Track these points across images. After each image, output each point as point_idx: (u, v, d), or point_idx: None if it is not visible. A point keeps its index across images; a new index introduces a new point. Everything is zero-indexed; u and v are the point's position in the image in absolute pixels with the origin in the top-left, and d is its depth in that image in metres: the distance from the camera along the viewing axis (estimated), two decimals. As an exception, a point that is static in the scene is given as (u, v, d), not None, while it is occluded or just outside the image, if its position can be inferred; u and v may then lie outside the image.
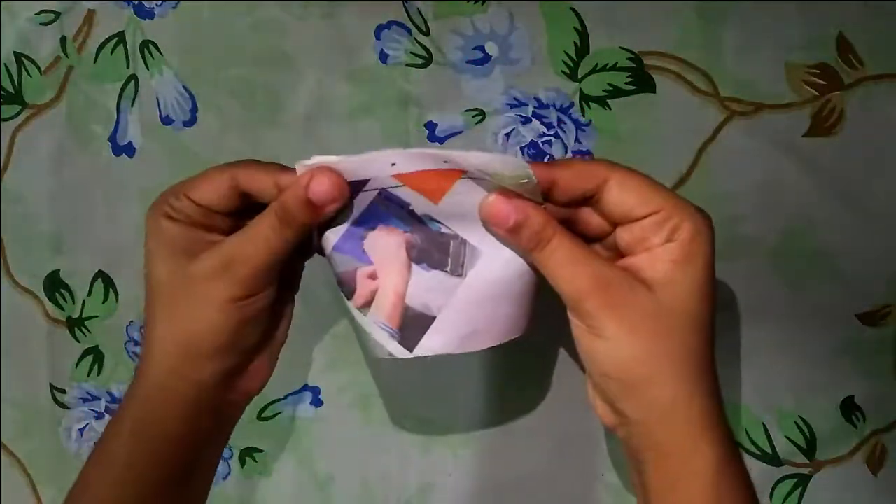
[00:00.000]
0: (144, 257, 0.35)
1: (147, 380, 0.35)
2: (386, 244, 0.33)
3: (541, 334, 0.48)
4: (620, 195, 0.31)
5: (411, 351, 0.34)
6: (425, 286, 0.33)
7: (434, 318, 0.34)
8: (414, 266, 0.34)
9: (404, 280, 0.33)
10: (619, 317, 0.31)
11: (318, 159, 0.32)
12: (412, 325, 0.34)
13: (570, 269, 0.31)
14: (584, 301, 0.31)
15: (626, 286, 0.31)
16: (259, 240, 0.33)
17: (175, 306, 0.34)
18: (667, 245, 0.31)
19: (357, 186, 0.33)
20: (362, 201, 0.33)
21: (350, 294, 0.34)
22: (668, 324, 0.30)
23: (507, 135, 0.48)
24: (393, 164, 0.33)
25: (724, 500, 0.31)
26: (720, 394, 0.32)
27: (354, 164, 0.32)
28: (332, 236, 0.34)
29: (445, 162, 0.32)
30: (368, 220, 0.34)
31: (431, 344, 0.34)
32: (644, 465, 0.32)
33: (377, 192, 0.33)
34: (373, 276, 0.34)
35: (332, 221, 0.34)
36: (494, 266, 0.33)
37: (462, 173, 0.32)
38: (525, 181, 0.31)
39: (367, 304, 0.34)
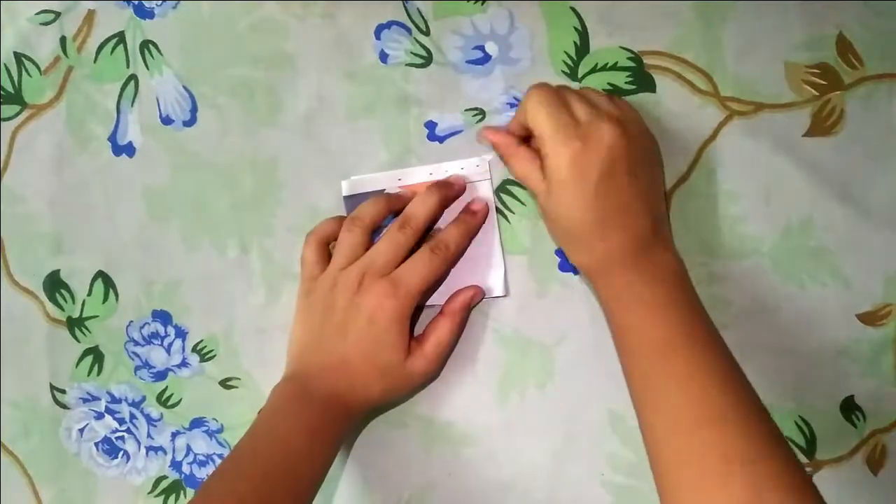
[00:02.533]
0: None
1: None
2: None
3: (541, 335, 0.48)
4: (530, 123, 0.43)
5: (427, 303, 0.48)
6: None
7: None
8: None
9: None
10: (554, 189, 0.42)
11: (356, 178, 0.49)
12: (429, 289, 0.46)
13: (525, 163, 0.43)
14: (532, 180, 0.43)
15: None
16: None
17: None
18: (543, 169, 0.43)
19: (376, 194, 0.48)
20: None
21: None
22: (561, 199, 0.41)
23: (507, 135, 0.48)
24: (399, 179, 0.49)
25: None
26: (641, 231, 0.41)
27: (378, 178, 0.49)
28: None
29: (431, 174, 0.48)
30: (384, 220, 0.47)
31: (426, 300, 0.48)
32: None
33: None
34: None
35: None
36: None
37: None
38: (479, 175, 0.48)
39: None
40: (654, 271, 0.41)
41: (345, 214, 0.49)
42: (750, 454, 0.35)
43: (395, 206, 0.47)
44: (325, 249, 0.47)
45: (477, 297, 0.47)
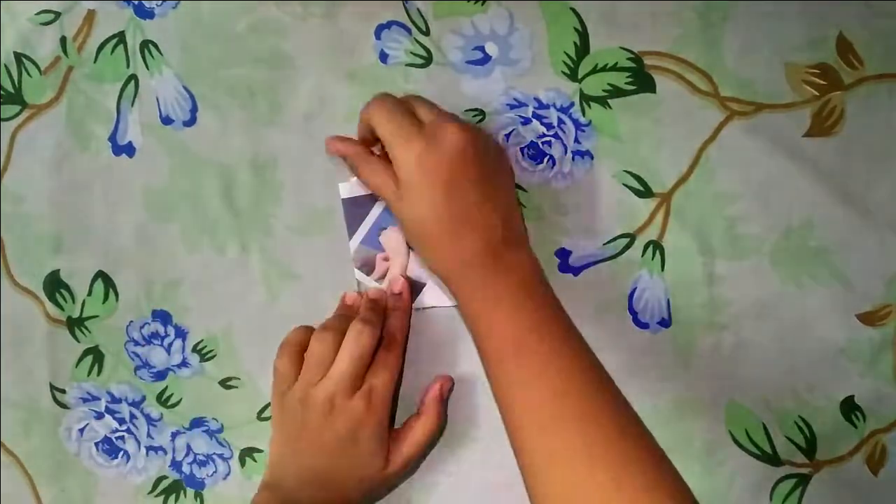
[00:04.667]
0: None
1: None
2: (395, 238, 0.49)
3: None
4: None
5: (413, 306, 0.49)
6: (418, 264, 0.49)
7: (425, 284, 0.49)
8: (411, 252, 0.49)
9: (406, 261, 0.49)
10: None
11: (354, 181, 0.49)
12: (413, 289, 0.49)
13: (378, 172, 0.44)
14: (385, 188, 0.43)
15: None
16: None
17: None
18: None
19: (375, 198, 0.49)
20: (378, 208, 0.49)
21: (370, 272, 0.49)
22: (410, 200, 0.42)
23: (508, 135, 0.48)
24: None
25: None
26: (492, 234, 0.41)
27: None
28: (359, 235, 0.49)
29: None
30: (382, 222, 0.49)
31: (425, 300, 0.49)
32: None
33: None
34: (385, 259, 0.49)
35: (359, 224, 0.49)
36: None
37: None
38: None
39: (381, 277, 0.49)
40: (506, 273, 0.41)
41: (343, 218, 0.49)
42: (611, 451, 0.36)
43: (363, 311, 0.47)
44: (299, 358, 0.46)
45: (447, 386, 0.47)
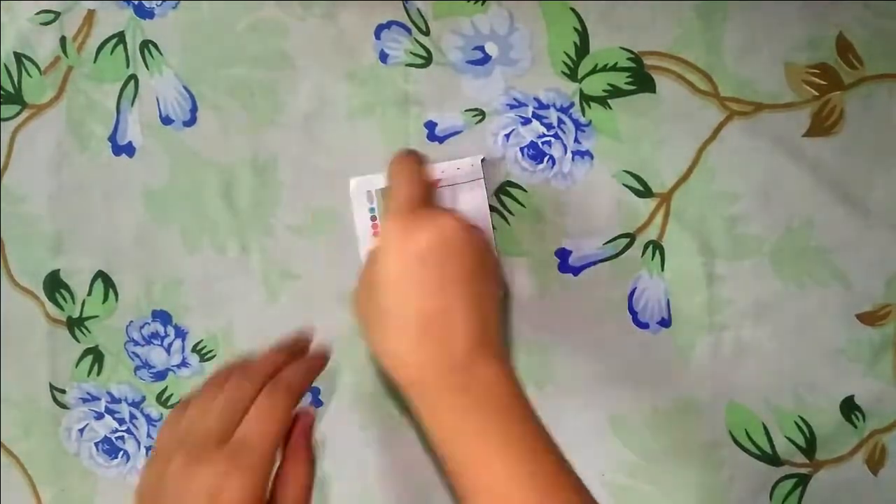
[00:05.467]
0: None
1: None
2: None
3: (541, 335, 0.48)
4: None
5: None
6: None
7: None
8: None
9: None
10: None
11: (367, 177, 0.48)
12: None
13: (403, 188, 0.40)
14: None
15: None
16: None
17: None
18: None
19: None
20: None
21: None
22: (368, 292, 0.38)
23: (507, 135, 0.48)
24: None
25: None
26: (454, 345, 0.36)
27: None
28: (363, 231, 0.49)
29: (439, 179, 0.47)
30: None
31: None
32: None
33: None
34: None
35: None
36: None
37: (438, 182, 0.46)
38: (472, 175, 0.47)
39: None
40: (473, 392, 0.35)
41: (353, 213, 0.49)
42: None
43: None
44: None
45: (310, 418, 0.40)
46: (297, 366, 0.40)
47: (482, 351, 0.36)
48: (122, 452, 0.54)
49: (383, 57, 0.49)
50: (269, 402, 0.36)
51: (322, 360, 0.42)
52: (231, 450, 0.35)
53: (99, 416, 0.54)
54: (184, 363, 0.52)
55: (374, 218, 0.49)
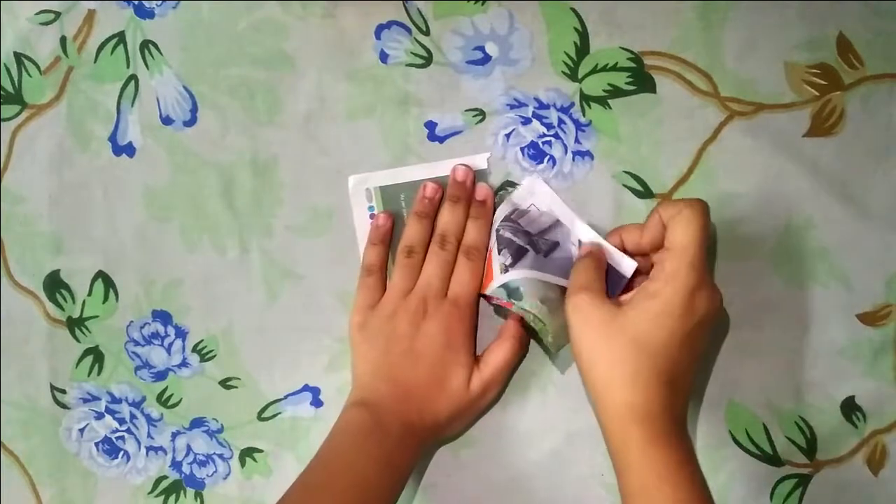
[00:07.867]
0: None
1: None
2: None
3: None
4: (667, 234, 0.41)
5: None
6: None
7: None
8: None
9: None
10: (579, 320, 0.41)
11: (365, 175, 0.49)
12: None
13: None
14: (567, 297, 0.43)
15: (598, 299, 0.41)
16: None
17: None
18: (651, 279, 0.40)
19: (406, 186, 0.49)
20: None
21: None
22: (621, 339, 0.39)
23: (508, 135, 0.48)
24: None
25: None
26: (674, 409, 0.39)
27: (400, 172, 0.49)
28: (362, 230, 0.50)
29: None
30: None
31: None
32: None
33: None
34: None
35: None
36: None
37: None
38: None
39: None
40: (676, 454, 0.38)
41: (352, 210, 0.49)
42: None
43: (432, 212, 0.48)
44: (382, 275, 0.48)
45: (518, 316, 0.46)
46: (474, 225, 0.47)
47: (683, 414, 0.40)
48: (122, 452, 0.54)
49: (383, 57, 0.49)
50: (469, 266, 0.46)
51: (490, 205, 0.48)
52: (453, 303, 0.46)
53: (99, 416, 0.54)
54: (184, 363, 0.52)
55: (372, 216, 0.49)
